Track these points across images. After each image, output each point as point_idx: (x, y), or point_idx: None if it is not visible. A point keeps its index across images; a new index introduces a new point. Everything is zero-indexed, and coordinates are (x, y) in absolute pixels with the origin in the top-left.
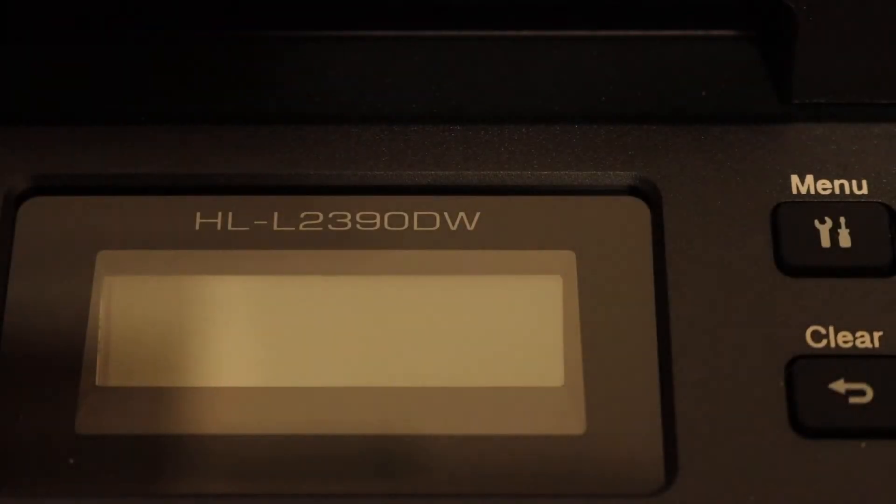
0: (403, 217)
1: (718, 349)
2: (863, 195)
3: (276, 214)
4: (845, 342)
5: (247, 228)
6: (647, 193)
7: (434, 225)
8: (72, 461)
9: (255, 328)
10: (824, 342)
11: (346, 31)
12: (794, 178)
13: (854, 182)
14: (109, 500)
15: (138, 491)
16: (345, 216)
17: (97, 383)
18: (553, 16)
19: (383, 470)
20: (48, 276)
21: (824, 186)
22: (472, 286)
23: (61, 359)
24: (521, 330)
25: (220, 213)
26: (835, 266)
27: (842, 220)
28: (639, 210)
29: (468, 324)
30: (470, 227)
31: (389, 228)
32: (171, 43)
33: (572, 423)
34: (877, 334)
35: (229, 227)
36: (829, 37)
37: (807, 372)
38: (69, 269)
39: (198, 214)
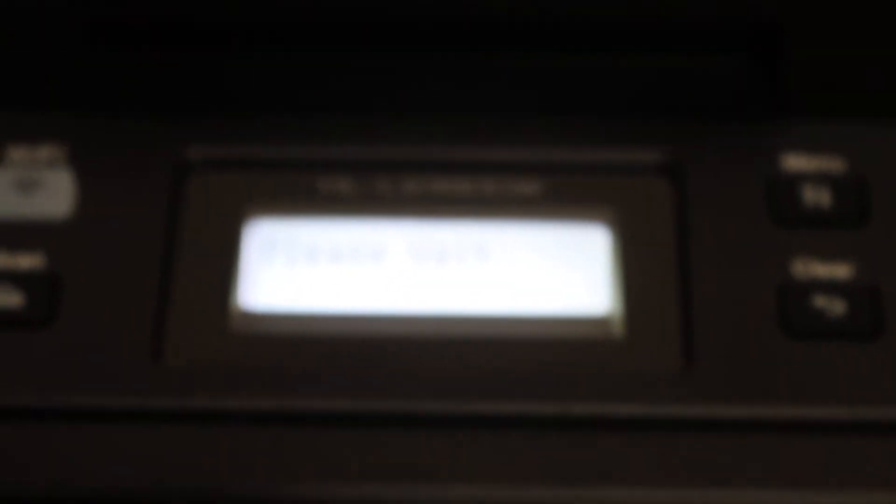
0: (482, 186)
1: (726, 279)
2: (842, 169)
3: (377, 184)
4: (824, 272)
5: (355, 193)
6: (673, 169)
7: (506, 191)
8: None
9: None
10: (808, 272)
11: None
12: (784, 157)
13: (834, 158)
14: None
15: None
16: (435, 184)
17: (241, 306)
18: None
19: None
20: (209, 227)
21: (809, 161)
22: (537, 232)
23: (215, 280)
24: (574, 269)
25: (335, 182)
26: (816, 218)
27: (823, 186)
28: (667, 182)
29: (533, 262)
30: (533, 193)
31: (471, 194)
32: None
33: (614, 332)
34: (850, 268)
35: (342, 192)
36: (814, 57)
37: (794, 291)
38: (225, 218)
39: (319, 181)
